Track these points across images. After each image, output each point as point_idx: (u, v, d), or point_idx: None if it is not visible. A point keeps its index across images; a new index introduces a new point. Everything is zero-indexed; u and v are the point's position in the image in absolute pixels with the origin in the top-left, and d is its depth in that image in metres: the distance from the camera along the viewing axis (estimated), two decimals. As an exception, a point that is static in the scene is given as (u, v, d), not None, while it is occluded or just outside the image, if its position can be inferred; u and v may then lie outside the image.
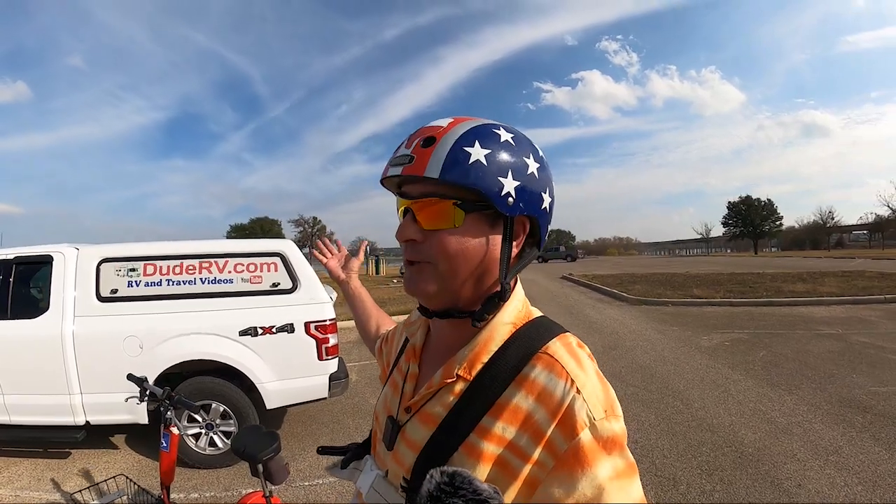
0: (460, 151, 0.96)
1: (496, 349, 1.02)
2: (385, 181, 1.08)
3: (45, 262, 5.66)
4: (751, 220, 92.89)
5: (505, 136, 1.02)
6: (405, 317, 1.45)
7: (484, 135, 1.00)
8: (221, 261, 5.69)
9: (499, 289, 1.03)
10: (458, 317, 1.06)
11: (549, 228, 1.12)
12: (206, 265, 5.66)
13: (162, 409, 3.26)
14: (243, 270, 5.68)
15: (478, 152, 0.97)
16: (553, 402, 0.90)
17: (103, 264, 5.58)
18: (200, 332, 5.44)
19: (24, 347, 5.43)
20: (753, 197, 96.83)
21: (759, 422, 5.84)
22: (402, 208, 1.05)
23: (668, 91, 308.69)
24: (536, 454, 0.88)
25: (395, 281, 32.08)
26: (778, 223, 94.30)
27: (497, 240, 1.02)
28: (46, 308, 5.46)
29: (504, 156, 0.99)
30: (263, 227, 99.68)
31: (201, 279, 5.62)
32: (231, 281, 5.65)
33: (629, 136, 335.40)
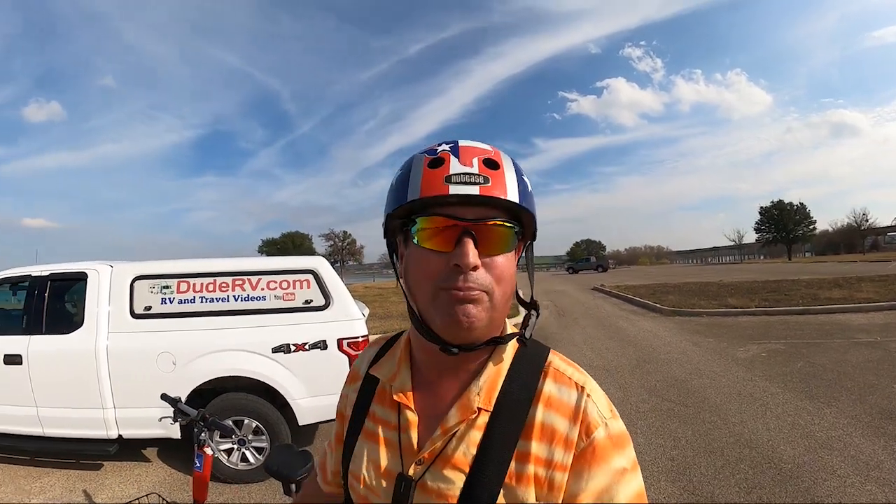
0: (521, 179, 0.98)
1: (506, 372, 1.04)
2: (432, 198, 0.95)
3: (80, 278, 5.75)
4: (784, 225, 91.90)
5: None
6: None
7: (520, 165, 1.02)
8: (254, 278, 5.72)
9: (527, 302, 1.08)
10: (489, 345, 1.01)
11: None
12: (240, 282, 5.69)
13: (196, 430, 3.26)
14: (276, 288, 5.70)
15: (528, 181, 1.00)
16: (571, 410, 0.98)
17: (137, 281, 5.65)
18: (233, 348, 5.47)
19: (58, 362, 5.52)
20: (786, 201, 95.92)
21: (798, 436, 5.73)
22: (441, 230, 0.95)
23: (694, 96, 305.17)
24: (570, 461, 0.94)
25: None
26: (811, 227, 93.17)
27: (514, 261, 1.04)
28: (81, 324, 5.54)
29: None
30: (294, 242, 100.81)
31: (234, 296, 5.66)
32: (264, 298, 5.68)
33: (657, 142, 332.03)
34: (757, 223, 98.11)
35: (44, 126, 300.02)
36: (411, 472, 1.01)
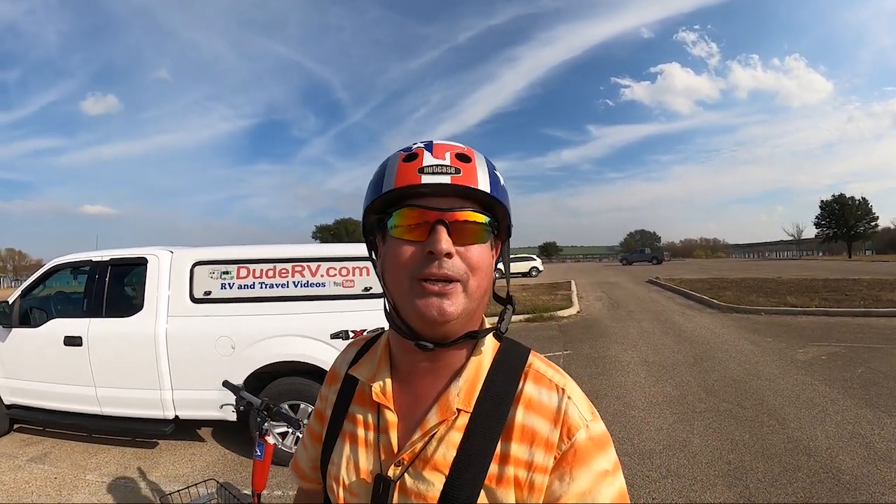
0: (493, 173, 1.01)
1: (486, 373, 1.04)
2: (402, 189, 0.97)
3: (140, 263, 5.90)
4: (845, 220, 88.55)
5: None
6: None
7: (490, 161, 1.05)
8: (314, 265, 5.79)
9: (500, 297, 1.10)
10: (465, 340, 1.02)
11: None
12: (299, 269, 5.77)
13: (259, 419, 3.27)
14: (335, 274, 5.77)
15: (500, 177, 1.04)
16: (552, 412, 0.99)
17: (197, 267, 5.77)
18: (292, 334, 5.56)
19: (117, 344, 5.71)
20: (847, 195, 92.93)
21: (857, 446, 5.55)
22: (415, 221, 0.96)
23: (751, 82, 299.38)
24: (551, 463, 0.95)
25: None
26: (873, 224, 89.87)
27: (491, 256, 1.04)
28: (140, 307, 5.71)
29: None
30: (347, 229, 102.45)
31: (294, 282, 5.74)
32: (323, 284, 5.75)
33: (713, 130, 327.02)
34: (817, 217, 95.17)
35: (101, 118, 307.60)
36: (390, 473, 1.01)
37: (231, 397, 3.46)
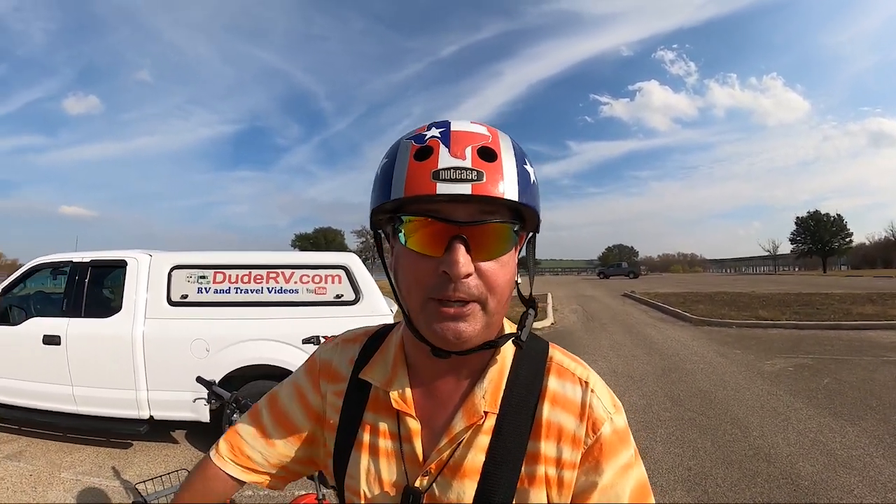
0: (522, 169, 0.88)
1: (508, 372, 1.00)
2: (414, 198, 0.85)
3: (120, 266, 5.95)
4: (820, 236, 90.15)
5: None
6: None
7: (523, 150, 0.94)
8: (288, 272, 5.92)
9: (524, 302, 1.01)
10: (483, 349, 0.94)
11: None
12: (274, 275, 5.90)
13: (228, 410, 3.34)
14: (308, 281, 5.89)
15: (531, 170, 0.91)
16: (577, 406, 0.97)
17: (175, 270, 5.87)
18: (265, 338, 5.67)
19: (95, 344, 5.75)
20: (822, 212, 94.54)
21: (818, 454, 5.70)
22: (430, 234, 0.87)
23: (728, 100, 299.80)
24: (579, 458, 0.94)
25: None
26: (848, 240, 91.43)
27: (514, 257, 0.95)
28: (119, 309, 5.77)
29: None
30: (327, 238, 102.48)
31: (268, 288, 5.86)
32: (297, 291, 5.87)
33: (691, 147, 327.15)
34: (792, 234, 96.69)
35: (82, 118, 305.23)
36: (418, 483, 0.96)
37: (203, 393, 3.53)
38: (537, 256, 1.02)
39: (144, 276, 5.85)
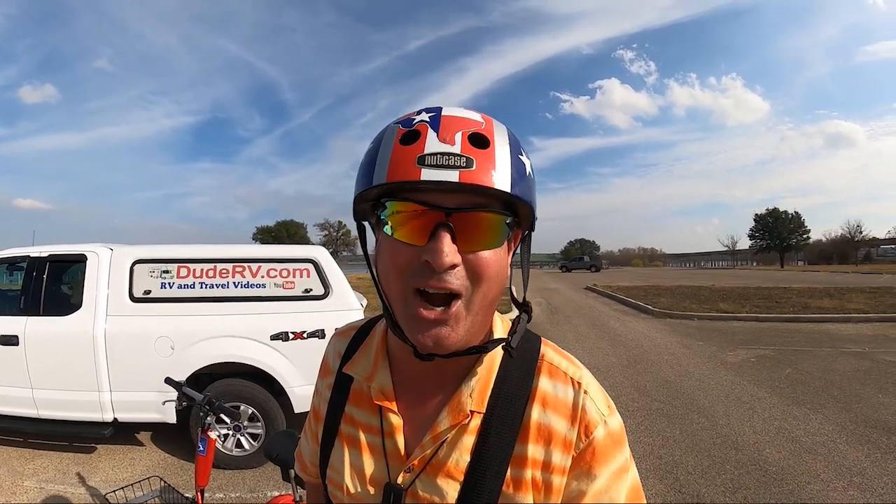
0: (517, 159, 0.84)
1: (497, 370, 0.96)
2: (396, 184, 0.81)
3: (79, 260, 5.76)
4: (778, 232, 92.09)
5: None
6: None
7: (519, 140, 0.90)
8: (255, 265, 5.75)
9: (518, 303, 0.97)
10: (469, 354, 0.90)
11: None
12: (240, 269, 5.72)
13: (202, 414, 3.24)
14: (276, 276, 5.74)
15: (527, 162, 0.87)
16: (568, 408, 0.92)
17: (137, 265, 5.66)
18: (232, 334, 5.51)
19: (55, 344, 5.54)
20: (781, 209, 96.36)
21: (783, 441, 5.81)
22: (413, 220, 0.82)
23: (688, 100, 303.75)
24: (569, 463, 0.90)
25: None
26: (805, 236, 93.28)
27: (507, 255, 0.91)
28: (79, 306, 5.55)
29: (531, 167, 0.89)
30: (289, 230, 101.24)
31: (234, 283, 5.69)
32: (264, 286, 5.72)
33: (651, 146, 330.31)
34: (751, 230, 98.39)
35: (39, 108, 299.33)
36: (400, 480, 0.93)
37: (173, 395, 3.43)
38: None
39: (105, 271, 5.64)
